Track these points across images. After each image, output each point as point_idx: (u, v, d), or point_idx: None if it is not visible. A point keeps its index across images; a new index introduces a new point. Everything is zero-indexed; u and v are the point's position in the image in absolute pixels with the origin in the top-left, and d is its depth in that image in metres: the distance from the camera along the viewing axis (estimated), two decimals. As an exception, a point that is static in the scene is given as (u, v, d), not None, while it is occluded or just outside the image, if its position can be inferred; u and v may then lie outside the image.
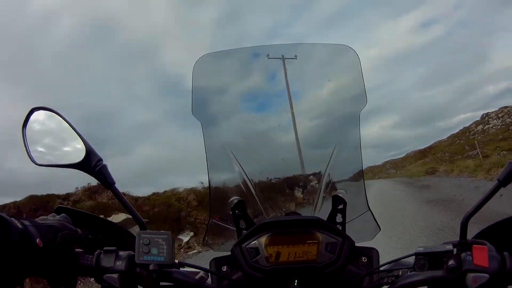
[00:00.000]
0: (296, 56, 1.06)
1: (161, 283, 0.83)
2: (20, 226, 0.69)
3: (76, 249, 0.83)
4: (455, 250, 0.75)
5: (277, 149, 1.08)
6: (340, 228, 0.95)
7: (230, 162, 1.02)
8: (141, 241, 0.78)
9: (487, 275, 0.70)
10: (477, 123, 46.09)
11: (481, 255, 0.71)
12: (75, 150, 0.84)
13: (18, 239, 0.67)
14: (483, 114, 46.52)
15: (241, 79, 1.10)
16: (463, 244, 0.75)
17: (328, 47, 1.06)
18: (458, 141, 46.07)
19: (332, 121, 1.08)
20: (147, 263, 0.77)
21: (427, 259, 0.76)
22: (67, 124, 0.84)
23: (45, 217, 0.83)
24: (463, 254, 0.73)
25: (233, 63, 1.06)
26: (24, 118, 0.83)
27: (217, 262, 0.92)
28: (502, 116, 40.65)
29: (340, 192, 0.97)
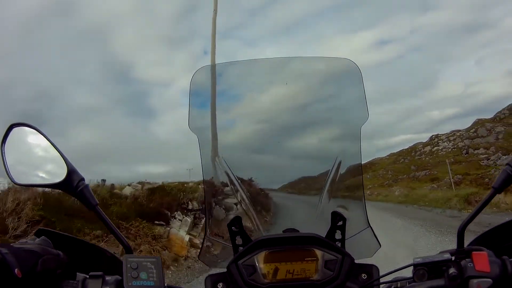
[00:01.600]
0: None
1: None
2: None
3: (58, 275, 0.77)
4: (453, 258, 0.76)
5: (276, 164, 1.07)
6: (340, 245, 0.93)
7: (227, 177, 0.99)
8: (128, 265, 0.75)
9: (490, 280, 0.71)
10: (424, 144, 46.53)
11: (481, 261, 0.72)
12: (56, 169, 0.79)
13: None
14: (432, 135, 46.97)
15: (239, 93, 1.09)
16: (462, 252, 0.75)
17: (331, 61, 1.05)
18: (402, 160, 46.28)
19: (333, 136, 1.07)
20: None
21: (426, 269, 0.76)
22: (48, 142, 0.79)
23: (24, 240, 0.77)
24: (463, 262, 0.73)
25: (232, 75, 1.05)
26: (3, 135, 0.78)
27: (212, 279, 0.90)
28: (454, 139, 41.12)
29: (340, 209, 0.96)
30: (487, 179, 23.49)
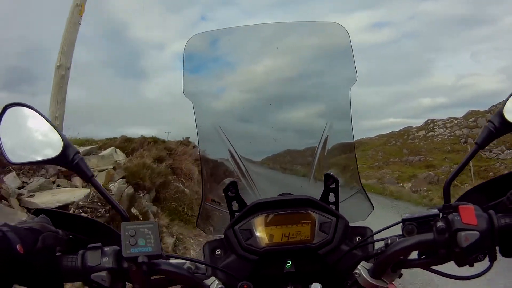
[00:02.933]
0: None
1: (152, 278, 0.79)
2: None
3: (58, 252, 0.78)
4: (441, 214, 0.77)
5: (269, 128, 1.08)
6: (334, 207, 0.94)
7: (222, 143, 1.01)
8: (126, 233, 0.75)
9: (477, 233, 0.72)
10: (418, 128, 44.26)
11: (468, 215, 0.73)
12: (52, 145, 0.81)
13: None
14: (428, 120, 44.55)
15: (232, 59, 1.11)
16: (448, 207, 0.76)
17: (318, 25, 1.07)
18: (394, 142, 44.01)
19: (323, 99, 1.08)
20: (135, 256, 0.74)
21: (415, 224, 0.78)
22: (42, 119, 0.80)
23: (24, 219, 0.78)
24: (450, 216, 0.74)
25: (225, 42, 1.07)
26: None
27: (210, 245, 0.91)
28: (451, 127, 39.37)
29: (332, 171, 0.97)
30: (491, 173, 22.17)
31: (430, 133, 41.64)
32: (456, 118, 41.27)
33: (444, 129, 40.79)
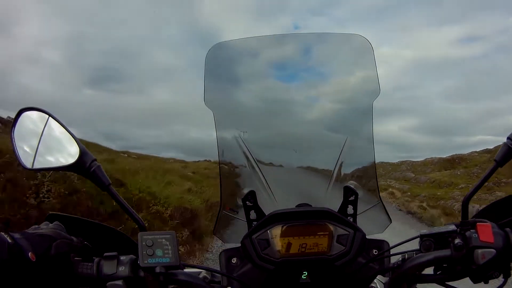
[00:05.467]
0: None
1: (168, 287, 0.79)
2: (10, 241, 0.65)
3: (73, 259, 0.77)
4: (459, 230, 0.78)
5: (289, 139, 1.08)
6: (351, 220, 0.94)
7: (241, 152, 1.01)
8: (143, 243, 0.76)
9: (494, 250, 0.73)
10: None
11: (486, 232, 0.74)
12: (68, 152, 0.80)
13: (7, 255, 0.62)
14: None
15: (254, 69, 1.11)
16: (466, 224, 0.77)
17: (342, 37, 1.06)
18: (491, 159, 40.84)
19: (345, 111, 1.09)
20: (152, 266, 0.74)
21: (433, 240, 0.79)
22: (58, 124, 0.79)
23: (37, 226, 0.77)
24: (467, 233, 0.76)
25: (247, 52, 1.07)
26: (13, 120, 0.77)
27: (227, 254, 0.91)
28: None
29: (352, 184, 0.97)
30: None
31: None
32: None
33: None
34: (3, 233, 0.64)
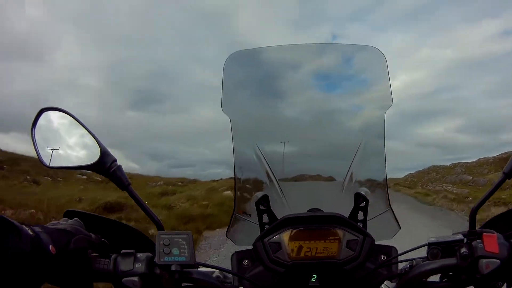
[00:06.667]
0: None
1: (182, 285, 0.81)
2: (31, 233, 0.67)
3: (90, 254, 0.79)
4: (465, 239, 0.80)
5: (303, 145, 1.11)
6: (361, 225, 0.97)
7: (256, 157, 1.04)
8: (161, 242, 0.79)
9: (498, 261, 0.75)
10: None
11: (491, 243, 0.76)
12: (89, 151, 0.81)
13: (29, 247, 0.65)
14: None
15: (270, 77, 1.14)
16: (473, 233, 0.79)
17: (356, 48, 1.09)
18: None
19: (358, 121, 1.11)
20: (168, 264, 0.76)
21: (440, 248, 0.81)
22: (79, 124, 0.80)
23: (57, 221, 0.79)
24: (474, 242, 0.78)
25: (264, 60, 1.10)
26: (33, 119, 0.79)
27: (238, 255, 0.94)
28: None
29: (363, 190, 0.99)
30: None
31: None
32: None
33: None
34: (25, 227, 0.66)
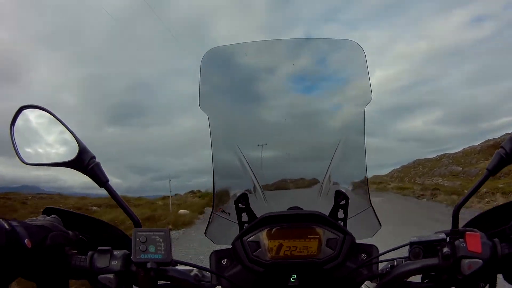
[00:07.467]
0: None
1: (158, 283, 0.80)
2: (7, 227, 0.68)
3: (67, 251, 0.79)
4: (448, 239, 0.78)
5: (282, 142, 1.09)
6: (342, 224, 0.96)
7: (235, 155, 1.03)
8: (137, 239, 0.78)
9: (480, 261, 0.73)
10: None
11: (474, 242, 0.75)
12: (67, 148, 0.82)
13: (4, 241, 0.65)
14: None
15: (248, 74, 1.12)
16: (456, 232, 0.78)
17: (335, 42, 1.08)
18: None
19: (337, 116, 1.10)
20: (144, 261, 0.76)
21: (422, 248, 0.79)
22: (58, 122, 0.81)
23: (35, 218, 0.79)
24: (456, 242, 0.76)
25: (241, 57, 1.08)
26: (13, 117, 0.80)
27: (217, 255, 0.93)
28: None
29: (343, 188, 0.98)
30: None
31: None
32: None
33: None
34: (1, 220, 0.66)
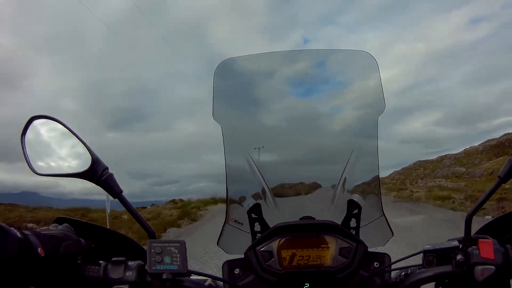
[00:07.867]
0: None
1: None
2: (20, 235, 0.67)
3: (80, 261, 0.78)
4: (461, 246, 0.79)
5: (296, 152, 1.10)
6: (354, 232, 0.96)
7: (248, 166, 1.03)
8: (152, 250, 0.77)
9: (493, 267, 0.74)
10: None
11: (487, 249, 0.76)
12: (80, 159, 0.81)
13: (17, 249, 0.64)
14: None
15: (261, 85, 1.13)
16: (469, 240, 0.79)
17: (348, 53, 1.09)
18: None
19: (350, 126, 1.11)
20: (160, 272, 0.75)
21: (435, 255, 0.80)
22: (70, 133, 0.80)
23: (46, 227, 0.79)
24: (469, 249, 0.77)
25: (255, 68, 1.09)
26: (23, 127, 0.79)
27: (230, 264, 0.93)
28: None
29: (356, 197, 0.99)
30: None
31: None
32: None
33: None
34: (13, 229, 0.65)
